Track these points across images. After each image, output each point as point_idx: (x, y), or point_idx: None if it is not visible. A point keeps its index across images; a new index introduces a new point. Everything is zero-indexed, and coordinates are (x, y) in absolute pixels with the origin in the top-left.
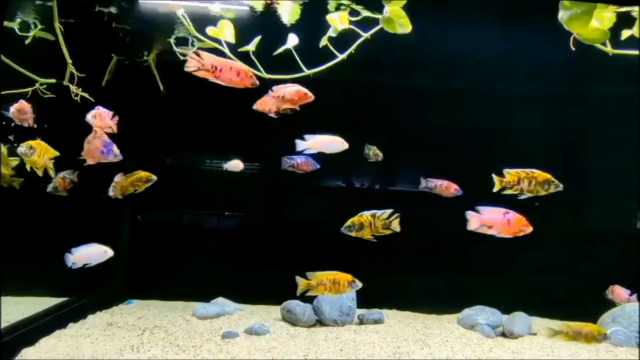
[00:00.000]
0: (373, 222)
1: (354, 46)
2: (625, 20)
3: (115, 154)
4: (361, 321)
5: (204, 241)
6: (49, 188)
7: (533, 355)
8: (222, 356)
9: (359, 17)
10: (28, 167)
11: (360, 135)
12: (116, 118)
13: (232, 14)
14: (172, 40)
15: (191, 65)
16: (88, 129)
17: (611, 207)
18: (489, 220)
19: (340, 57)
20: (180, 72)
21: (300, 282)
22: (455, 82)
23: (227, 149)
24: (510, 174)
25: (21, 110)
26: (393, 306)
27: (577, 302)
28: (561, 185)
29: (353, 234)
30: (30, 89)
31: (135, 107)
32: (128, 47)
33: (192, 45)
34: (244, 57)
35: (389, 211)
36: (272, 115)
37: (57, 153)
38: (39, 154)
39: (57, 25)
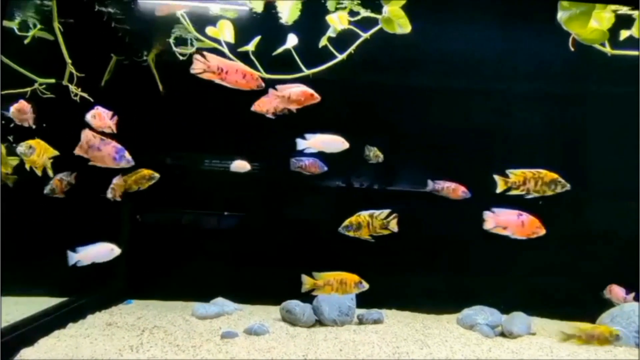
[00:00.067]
0: (371, 222)
1: (353, 46)
2: (624, 21)
3: (127, 159)
4: (360, 321)
5: (204, 241)
6: (46, 190)
7: (532, 355)
8: (222, 356)
9: (359, 18)
10: (27, 166)
11: (360, 136)
12: (115, 118)
13: (231, 14)
14: (171, 41)
15: (197, 67)
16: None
17: (611, 207)
18: (504, 222)
19: (340, 57)
20: (180, 72)
21: (306, 280)
22: (455, 82)
23: (226, 148)
24: (516, 174)
25: (21, 110)
26: (392, 306)
27: (577, 302)
28: (568, 185)
29: (351, 234)
30: (29, 89)
31: (135, 107)
32: (127, 47)
33: (192, 45)
34: (244, 57)
35: (387, 211)
36: (270, 116)
37: (56, 152)
38: (38, 153)
39: (56, 25)
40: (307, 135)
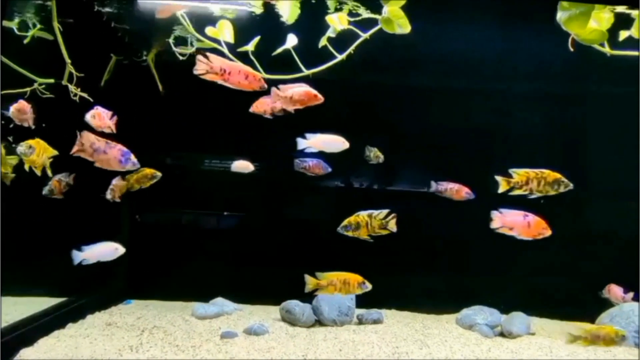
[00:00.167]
0: (370, 222)
1: (353, 46)
2: (623, 21)
3: (133, 162)
4: (360, 321)
5: (203, 241)
6: (45, 191)
7: (531, 355)
8: (221, 356)
9: (358, 18)
10: (27, 166)
11: (360, 136)
12: (115, 118)
13: (231, 14)
14: (171, 40)
15: (200, 69)
16: (87, 129)
17: (611, 207)
18: (511, 222)
19: (340, 57)
20: (179, 71)
21: (309, 281)
22: (455, 82)
23: (226, 148)
24: (519, 174)
25: (21, 110)
26: (392, 306)
27: (576, 302)
28: (571, 185)
29: (349, 233)
30: (29, 89)
31: (135, 107)
32: (127, 46)
33: (192, 45)
34: (243, 58)
35: (386, 211)
36: (268, 116)
37: (55, 152)
38: (38, 153)
39: (55, 24)
40: (308, 135)
